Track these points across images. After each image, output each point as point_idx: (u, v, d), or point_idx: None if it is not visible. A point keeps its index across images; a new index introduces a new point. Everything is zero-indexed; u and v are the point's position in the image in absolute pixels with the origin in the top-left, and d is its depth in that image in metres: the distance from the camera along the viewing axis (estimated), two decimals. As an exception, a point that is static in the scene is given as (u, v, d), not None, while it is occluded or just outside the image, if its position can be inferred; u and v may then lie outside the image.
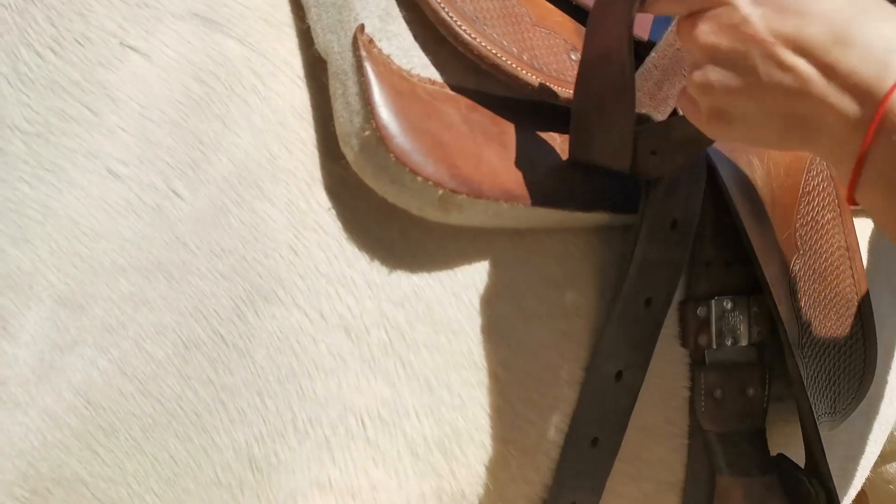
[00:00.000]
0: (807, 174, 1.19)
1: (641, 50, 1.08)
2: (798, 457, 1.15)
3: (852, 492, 1.45)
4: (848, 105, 0.76)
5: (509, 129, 1.00)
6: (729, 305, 1.10)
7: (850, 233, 1.23)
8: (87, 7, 0.86)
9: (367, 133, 0.90)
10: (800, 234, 1.16)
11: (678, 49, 1.09)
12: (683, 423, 1.13)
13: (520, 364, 1.02)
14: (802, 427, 1.12)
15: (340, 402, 0.94)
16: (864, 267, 1.25)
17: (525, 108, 1.03)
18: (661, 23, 1.14)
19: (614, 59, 0.96)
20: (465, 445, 1.01)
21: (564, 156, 1.02)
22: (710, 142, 0.99)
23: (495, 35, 1.00)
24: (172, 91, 0.87)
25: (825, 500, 1.12)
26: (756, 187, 1.12)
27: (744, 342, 1.11)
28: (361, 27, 0.93)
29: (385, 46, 0.96)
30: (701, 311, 1.10)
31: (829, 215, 1.21)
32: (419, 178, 0.91)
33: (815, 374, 1.17)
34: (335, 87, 0.93)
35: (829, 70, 0.76)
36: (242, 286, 0.88)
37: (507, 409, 1.02)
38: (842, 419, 1.22)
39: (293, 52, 0.96)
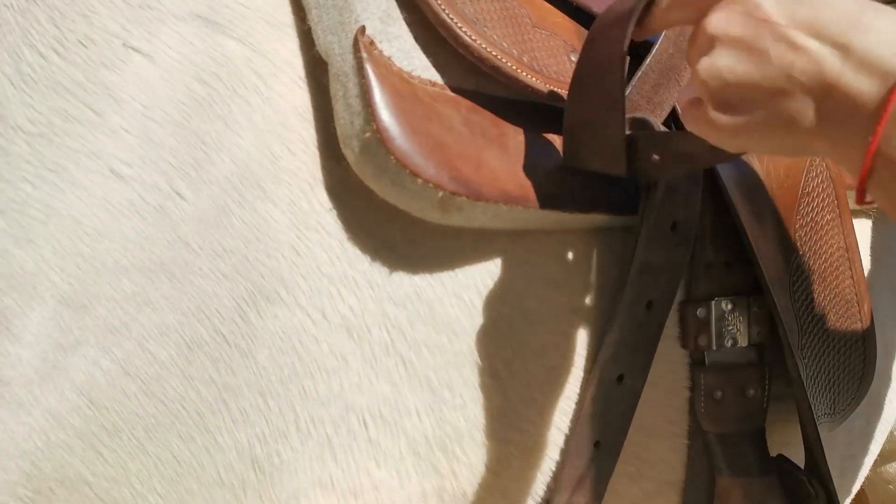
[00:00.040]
0: (806, 175, 1.19)
1: (641, 50, 1.09)
2: (798, 457, 1.15)
3: (853, 490, 1.45)
4: (864, 83, 0.73)
5: (510, 130, 1.01)
6: (729, 306, 1.10)
7: (850, 233, 1.23)
8: (90, 8, 0.86)
9: (367, 135, 0.90)
10: (799, 235, 1.17)
11: (672, 54, 1.10)
12: (684, 424, 1.13)
13: (521, 364, 1.02)
14: (802, 427, 1.13)
15: (342, 402, 0.94)
16: (864, 268, 1.25)
17: (525, 109, 1.03)
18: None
19: (607, 75, 0.96)
20: (467, 445, 1.01)
21: None
22: (709, 160, 0.97)
23: (495, 37, 1.00)
24: (175, 92, 0.88)
25: (825, 500, 1.12)
26: (756, 188, 1.12)
27: (743, 343, 1.11)
28: (362, 29, 0.93)
29: (386, 48, 0.96)
30: (701, 312, 1.10)
31: (828, 216, 1.21)
32: (419, 180, 0.91)
33: (815, 375, 1.17)
34: (336, 89, 0.93)
35: (844, 49, 0.75)
36: (245, 286, 0.88)
37: (509, 409, 1.02)
38: (841, 420, 1.23)
39: (295, 53, 0.96)
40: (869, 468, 1.46)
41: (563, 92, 1.03)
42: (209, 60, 0.90)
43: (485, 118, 1.00)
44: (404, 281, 0.96)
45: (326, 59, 0.94)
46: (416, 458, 0.99)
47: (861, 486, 1.54)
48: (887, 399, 1.40)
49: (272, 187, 0.90)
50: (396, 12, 0.98)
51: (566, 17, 1.09)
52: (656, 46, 1.09)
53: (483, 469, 1.02)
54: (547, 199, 0.99)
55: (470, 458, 1.01)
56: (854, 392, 1.22)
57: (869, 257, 1.36)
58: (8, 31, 0.84)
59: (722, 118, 0.82)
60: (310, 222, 0.92)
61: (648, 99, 1.08)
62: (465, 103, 0.99)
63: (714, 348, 1.10)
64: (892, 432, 1.50)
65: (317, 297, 0.92)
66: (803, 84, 0.76)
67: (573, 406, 1.05)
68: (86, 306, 0.82)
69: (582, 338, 1.05)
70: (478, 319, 1.00)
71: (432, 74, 0.99)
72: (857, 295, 1.22)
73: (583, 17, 1.10)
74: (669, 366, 1.11)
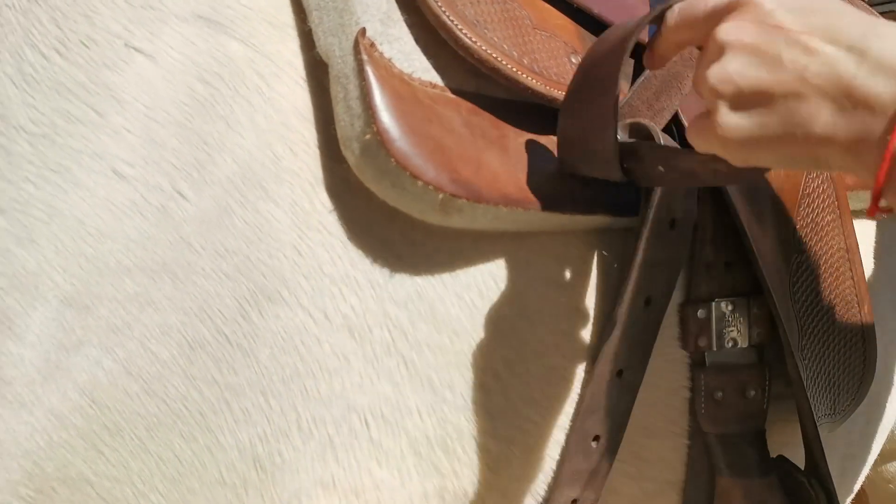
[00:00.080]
0: (806, 176, 1.19)
1: (642, 51, 1.09)
2: (798, 457, 1.15)
3: (854, 490, 1.46)
4: (880, 84, 0.71)
5: (510, 132, 1.01)
6: (729, 307, 1.10)
7: (850, 235, 1.23)
8: (92, 9, 0.86)
9: (367, 137, 0.90)
10: (800, 236, 1.17)
11: (675, 61, 1.10)
12: (684, 424, 1.13)
13: (522, 364, 1.02)
14: (802, 428, 1.13)
15: (344, 402, 0.94)
16: (864, 268, 1.25)
17: (526, 111, 1.03)
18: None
19: (601, 96, 0.95)
20: (468, 444, 1.01)
21: None
22: (713, 181, 0.95)
23: (496, 39, 1.00)
24: (177, 92, 0.88)
25: (825, 501, 1.12)
26: (756, 189, 1.12)
27: (744, 344, 1.11)
28: (363, 31, 0.93)
29: (386, 50, 0.96)
30: (701, 312, 1.10)
31: (828, 217, 1.21)
32: (420, 183, 0.91)
33: (815, 376, 1.17)
34: (336, 91, 0.93)
35: (860, 53, 0.73)
36: (247, 286, 0.88)
37: (509, 409, 1.03)
38: (841, 420, 1.23)
39: (296, 54, 0.96)
40: (869, 468, 1.46)
41: (563, 94, 1.02)
42: (211, 61, 0.90)
43: (485, 120, 1.00)
44: (406, 281, 0.96)
45: (327, 61, 0.95)
46: (418, 457, 0.99)
47: (861, 486, 1.54)
48: (887, 399, 1.40)
49: (274, 187, 0.91)
50: (397, 14, 0.98)
51: (567, 19, 1.09)
52: None
53: (484, 468, 1.03)
54: (547, 201, 0.99)
55: (471, 458, 1.01)
56: (854, 393, 1.23)
57: (869, 258, 1.36)
58: (10, 31, 0.84)
59: (732, 126, 0.79)
60: (311, 222, 0.92)
61: (649, 105, 1.08)
62: (466, 105, 0.99)
63: (714, 349, 1.10)
64: (892, 432, 1.50)
65: (318, 297, 0.92)
66: (817, 87, 0.75)
67: (573, 405, 1.05)
68: (88, 306, 0.82)
69: (582, 337, 1.05)
70: (479, 319, 1.00)
71: (433, 76, 0.99)
72: (857, 296, 1.22)
73: (584, 18, 1.10)
74: (670, 366, 1.11)
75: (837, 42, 0.75)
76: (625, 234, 1.06)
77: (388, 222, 0.96)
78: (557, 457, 1.06)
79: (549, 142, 1.02)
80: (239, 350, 0.88)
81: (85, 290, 0.82)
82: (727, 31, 0.81)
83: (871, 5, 1.52)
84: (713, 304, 1.10)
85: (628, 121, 1.02)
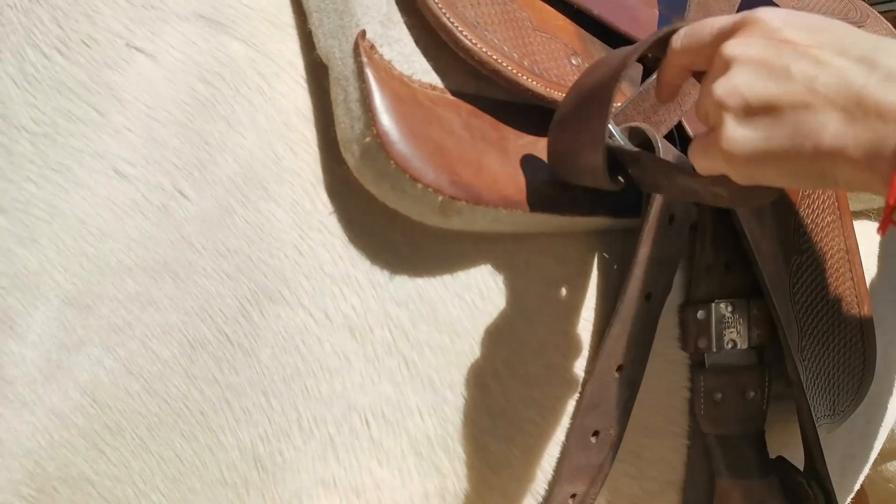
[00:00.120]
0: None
1: (651, 63, 1.09)
2: (798, 457, 1.15)
3: (854, 489, 1.46)
4: (892, 93, 0.69)
5: (510, 134, 1.00)
6: (729, 309, 1.10)
7: (850, 235, 1.23)
8: (94, 8, 0.87)
9: (367, 139, 0.91)
10: (800, 237, 1.17)
11: None
12: (684, 424, 1.13)
13: (522, 364, 1.03)
14: (802, 430, 1.13)
15: (345, 402, 0.94)
16: (864, 269, 1.25)
17: (526, 112, 1.03)
18: (667, 22, 1.15)
19: (594, 119, 0.93)
20: (468, 444, 1.01)
21: None
22: (711, 201, 0.93)
23: (496, 40, 1.00)
24: (178, 92, 0.88)
25: (824, 502, 1.12)
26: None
27: (743, 345, 1.11)
28: (363, 33, 0.93)
29: (386, 52, 0.95)
30: (701, 314, 1.10)
31: (828, 218, 1.21)
32: (419, 185, 0.91)
33: (815, 377, 1.17)
34: (336, 93, 0.93)
35: (870, 63, 0.72)
36: (248, 286, 0.88)
37: (510, 409, 1.03)
38: (841, 421, 1.23)
39: (297, 54, 0.96)
40: (869, 467, 1.46)
41: (563, 95, 1.02)
42: (212, 61, 0.90)
43: (485, 122, 0.99)
44: (407, 281, 0.97)
45: (327, 63, 0.95)
46: (418, 457, 0.99)
47: (861, 485, 1.54)
48: (887, 399, 1.40)
49: (275, 187, 0.91)
50: (397, 16, 0.98)
51: (567, 20, 1.09)
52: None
53: (485, 468, 1.03)
54: (547, 203, 0.99)
55: (472, 458, 1.02)
56: (854, 393, 1.23)
57: (869, 259, 1.36)
58: (11, 30, 0.84)
59: (738, 139, 0.77)
60: (312, 222, 0.92)
61: (646, 117, 1.07)
62: (466, 107, 0.99)
63: (714, 350, 1.10)
64: (892, 431, 1.50)
65: (319, 297, 0.92)
66: (827, 97, 0.72)
67: (573, 405, 1.05)
68: (89, 306, 0.82)
69: (582, 337, 1.05)
70: (480, 320, 1.00)
71: (433, 78, 0.99)
72: (857, 297, 1.22)
73: (584, 19, 1.10)
74: (670, 366, 1.11)
75: (847, 54, 0.73)
76: (624, 235, 1.06)
77: (390, 222, 0.96)
78: (558, 456, 1.06)
79: (550, 144, 1.03)
80: (240, 349, 0.88)
81: (86, 289, 0.82)
82: (734, 46, 0.80)
83: (871, 5, 1.52)
84: (713, 305, 1.10)
85: (628, 124, 1.01)
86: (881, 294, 1.35)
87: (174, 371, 0.85)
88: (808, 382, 1.14)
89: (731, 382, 1.11)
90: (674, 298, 1.09)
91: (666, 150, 0.96)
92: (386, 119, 0.91)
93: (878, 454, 1.50)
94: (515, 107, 1.03)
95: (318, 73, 0.96)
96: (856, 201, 1.29)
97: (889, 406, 1.42)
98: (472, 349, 0.99)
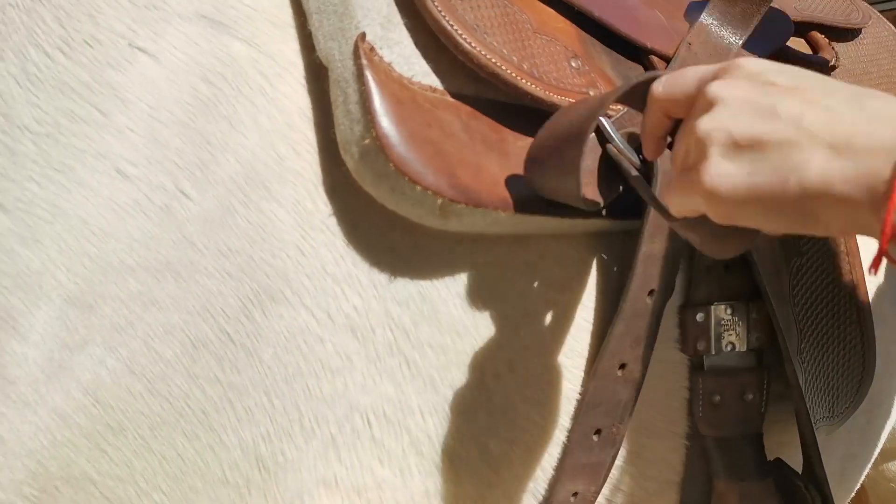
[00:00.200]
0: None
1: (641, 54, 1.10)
2: (796, 456, 1.15)
3: (854, 489, 1.46)
4: (880, 129, 0.68)
5: (510, 136, 1.00)
6: (728, 311, 1.10)
7: (851, 237, 1.23)
8: (96, 8, 0.87)
9: (367, 142, 0.91)
10: (800, 239, 1.17)
11: None
12: (684, 425, 1.13)
13: (523, 364, 1.03)
14: (800, 433, 1.13)
15: (346, 401, 0.94)
16: (864, 271, 1.25)
17: (526, 114, 1.02)
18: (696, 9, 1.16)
19: (570, 150, 0.92)
20: (469, 444, 1.01)
21: None
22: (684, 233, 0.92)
23: (495, 44, 1.00)
24: (181, 92, 0.88)
25: (821, 505, 1.13)
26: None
27: (742, 348, 1.11)
28: (362, 35, 0.93)
29: (386, 54, 0.96)
30: (700, 316, 1.10)
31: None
32: (418, 188, 0.91)
33: (814, 379, 1.17)
34: (336, 95, 0.93)
35: (858, 104, 0.70)
36: (250, 286, 0.89)
37: (510, 409, 1.03)
38: (840, 423, 1.23)
39: (299, 54, 0.96)
40: (869, 467, 1.46)
41: (563, 99, 1.02)
42: (214, 61, 0.90)
43: (485, 124, 0.99)
44: (408, 281, 0.97)
45: (327, 65, 0.95)
46: (420, 457, 0.99)
47: (862, 484, 1.55)
48: (888, 399, 1.41)
49: (277, 187, 0.91)
50: (397, 17, 0.98)
51: (568, 22, 1.09)
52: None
53: (485, 468, 1.03)
54: (546, 206, 0.99)
55: (472, 458, 1.02)
56: (853, 396, 1.22)
57: (870, 260, 1.36)
58: (13, 30, 0.85)
59: (721, 173, 0.74)
60: (314, 222, 0.92)
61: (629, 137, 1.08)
62: (466, 109, 0.99)
63: (713, 353, 1.10)
64: (894, 430, 1.50)
65: (321, 297, 0.92)
66: (814, 134, 0.70)
67: (574, 405, 1.06)
68: (92, 306, 0.83)
69: (583, 338, 1.06)
70: (481, 320, 1.00)
71: (433, 80, 0.99)
72: (857, 299, 1.22)
73: (585, 21, 1.10)
74: (670, 366, 1.11)
75: (833, 96, 0.72)
76: (624, 237, 1.06)
77: (391, 223, 0.96)
78: (559, 456, 1.06)
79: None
80: (242, 349, 0.88)
81: (88, 289, 0.83)
82: (719, 86, 0.78)
83: (871, 4, 1.52)
84: (712, 307, 1.10)
85: (627, 130, 1.01)
86: (882, 295, 1.35)
87: (176, 370, 0.85)
88: (807, 385, 1.14)
89: (729, 385, 1.10)
90: (674, 300, 1.09)
91: (664, 158, 0.96)
92: (385, 121, 0.91)
93: (880, 454, 1.50)
94: (515, 109, 1.02)
95: (319, 74, 0.96)
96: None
97: (890, 406, 1.42)
98: (473, 349, 1.00)
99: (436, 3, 0.97)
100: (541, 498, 1.06)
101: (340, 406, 0.94)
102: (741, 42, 1.15)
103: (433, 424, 0.99)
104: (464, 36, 0.98)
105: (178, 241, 0.86)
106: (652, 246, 1.02)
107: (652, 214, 1.02)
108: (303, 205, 0.92)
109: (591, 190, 0.97)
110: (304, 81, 0.96)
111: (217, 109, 0.89)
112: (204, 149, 0.88)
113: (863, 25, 1.41)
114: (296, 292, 0.91)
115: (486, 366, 1.01)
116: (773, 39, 1.24)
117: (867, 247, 1.31)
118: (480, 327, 1.00)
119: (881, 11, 1.53)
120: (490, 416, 1.02)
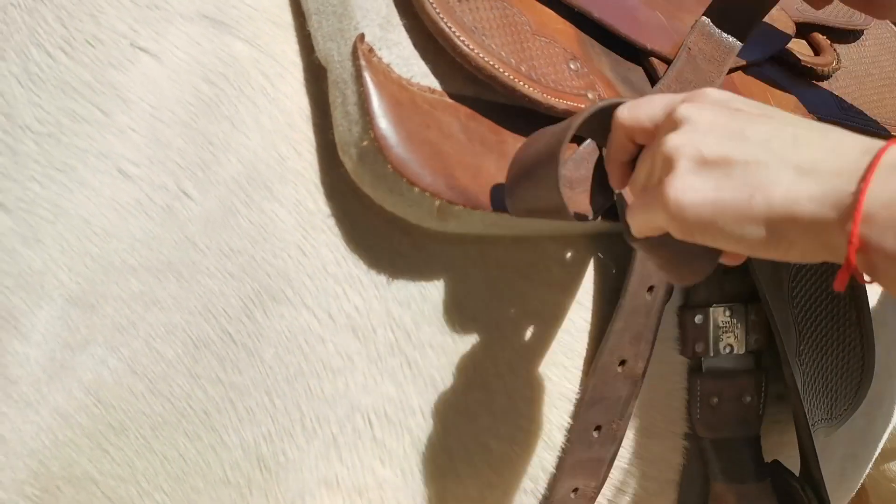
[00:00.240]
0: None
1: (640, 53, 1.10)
2: (794, 457, 1.15)
3: (853, 489, 1.46)
4: (844, 155, 0.68)
5: (509, 138, 1.00)
6: (726, 313, 1.10)
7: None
8: (98, 8, 0.87)
9: (365, 143, 0.91)
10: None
11: None
12: (683, 426, 1.14)
13: (523, 364, 1.03)
14: (798, 435, 1.13)
15: (348, 401, 0.94)
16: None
17: (525, 116, 1.02)
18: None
19: (546, 166, 0.91)
20: (470, 444, 1.02)
21: None
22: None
23: (494, 46, 0.99)
24: (182, 92, 0.88)
25: (818, 507, 1.13)
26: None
27: (741, 350, 1.11)
28: (361, 36, 0.93)
29: (385, 55, 0.95)
30: (698, 318, 1.10)
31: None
32: (416, 189, 0.91)
33: (812, 381, 1.17)
34: (335, 96, 0.93)
35: (822, 133, 0.71)
36: (251, 286, 0.89)
37: (512, 409, 1.03)
38: (838, 424, 1.23)
39: (300, 54, 0.96)
40: (870, 467, 1.46)
41: (561, 101, 1.02)
42: (216, 61, 0.90)
43: (483, 125, 0.99)
44: (409, 282, 0.97)
45: (326, 66, 0.94)
46: (421, 457, 0.99)
47: (863, 484, 1.55)
48: (888, 399, 1.41)
49: (279, 188, 0.91)
50: (396, 19, 0.97)
51: (567, 24, 1.08)
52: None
53: (486, 468, 1.03)
54: None
55: (473, 457, 1.02)
56: (851, 397, 1.22)
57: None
58: (15, 30, 0.85)
59: (686, 187, 0.73)
60: (316, 222, 0.92)
61: None
62: (464, 110, 0.99)
63: (711, 355, 1.10)
64: (894, 430, 1.50)
65: (323, 297, 0.92)
66: (782, 156, 0.70)
67: (575, 405, 1.06)
68: (93, 305, 0.83)
69: (583, 338, 1.06)
70: (481, 320, 1.00)
71: (431, 81, 0.99)
72: (857, 300, 1.21)
73: (585, 22, 1.10)
74: (669, 367, 1.11)
75: (798, 126, 0.73)
76: (623, 237, 1.06)
77: (392, 223, 0.96)
78: (559, 456, 1.06)
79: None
80: (243, 349, 0.88)
81: (90, 289, 0.83)
82: (687, 108, 0.77)
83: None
84: (710, 310, 1.10)
85: None
86: (881, 296, 1.35)
87: (178, 371, 0.85)
88: (805, 387, 1.14)
89: (727, 387, 1.11)
90: (673, 301, 1.09)
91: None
92: (384, 122, 0.91)
93: (880, 454, 1.50)
94: (514, 110, 1.02)
95: (320, 75, 0.96)
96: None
97: (891, 406, 1.42)
98: (474, 350, 1.00)
99: (434, 5, 0.96)
100: (542, 498, 1.06)
101: (342, 406, 0.94)
102: (741, 45, 1.15)
103: (434, 424, 0.99)
104: (461, 38, 0.97)
105: (179, 241, 0.86)
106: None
107: None
108: (304, 205, 0.92)
109: (584, 199, 0.97)
110: (305, 82, 0.95)
111: (219, 109, 0.89)
112: (206, 149, 0.88)
113: (865, 27, 1.40)
114: (297, 292, 0.91)
115: (487, 366, 1.01)
116: (772, 42, 1.24)
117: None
118: (481, 328, 1.00)
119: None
120: (491, 416, 1.02)
